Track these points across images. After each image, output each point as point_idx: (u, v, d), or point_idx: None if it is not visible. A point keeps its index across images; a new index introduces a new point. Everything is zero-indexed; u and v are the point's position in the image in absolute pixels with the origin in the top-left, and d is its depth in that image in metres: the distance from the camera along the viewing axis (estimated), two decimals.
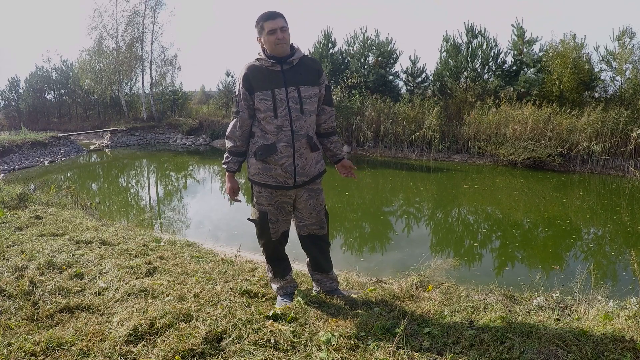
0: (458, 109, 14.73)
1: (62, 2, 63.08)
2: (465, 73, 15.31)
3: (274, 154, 2.39)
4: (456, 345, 2.09)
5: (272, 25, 2.31)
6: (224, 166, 2.55)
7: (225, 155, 2.54)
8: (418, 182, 11.14)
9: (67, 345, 2.07)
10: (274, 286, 2.79)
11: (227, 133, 2.51)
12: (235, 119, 2.46)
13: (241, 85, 2.40)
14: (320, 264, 2.77)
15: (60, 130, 22.04)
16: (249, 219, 2.66)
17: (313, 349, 2.05)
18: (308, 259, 2.82)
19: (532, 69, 14.08)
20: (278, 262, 2.71)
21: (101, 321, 2.34)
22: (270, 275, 2.78)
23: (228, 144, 2.52)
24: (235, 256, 3.87)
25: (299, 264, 3.52)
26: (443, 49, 15.87)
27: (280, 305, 2.60)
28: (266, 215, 2.53)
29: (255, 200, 2.56)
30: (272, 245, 2.61)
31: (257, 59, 2.42)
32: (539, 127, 11.97)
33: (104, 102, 24.83)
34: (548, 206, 8.39)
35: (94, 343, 2.09)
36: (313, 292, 2.89)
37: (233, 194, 2.58)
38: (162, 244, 4.22)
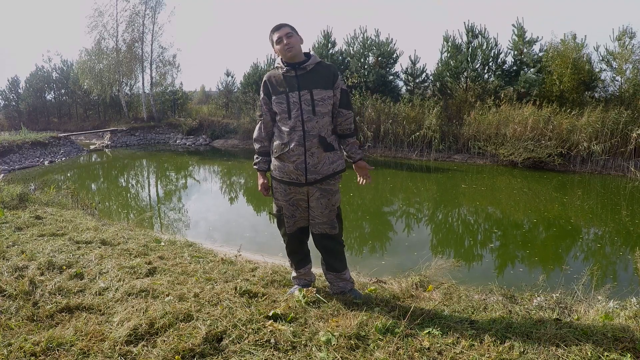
0: (458, 109, 14.73)
1: (62, 2, 63.09)
2: (465, 73, 15.30)
3: (286, 152, 2.62)
4: (456, 345, 2.09)
5: (278, 34, 2.58)
6: (255, 167, 2.82)
7: (255, 156, 2.82)
8: (418, 182, 11.14)
9: (67, 345, 2.07)
10: (291, 275, 3.05)
11: (254, 136, 2.79)
12: (260, 122, 2.76)
13: (262, 92, 2.70)
14: (331, 264, 2.85)
15: (60, 130, 22.07)
16: (271, 213, 3.00)
17: (313, 349, 2.05)
18: (322, 258, 2.90)
19: (532, 69, 14.09)
20: (294, 254, 2.91)
21: (101, 321, 2.34)
22: (289, 263, 3.04)
23: (256, 145, 2.79)
24: (236, 256, 3.86)
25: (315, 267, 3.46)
26: (443, 49, 15.88)
27: (289, 294, 2.80)
28: (281, 209, 2.77)
29: (274, 195, 2.81)
30: (287, 237, 2.84)
31: (275, 67, 2.70)
32: (539, 127, 11.97)
33: (104, 102, 24.83)
34: (548, 206, 8.39)
35: (94, 343, 2.09)
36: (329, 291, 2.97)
37: (265, 190, 2.83)
38: (162, 244, 4.22)
